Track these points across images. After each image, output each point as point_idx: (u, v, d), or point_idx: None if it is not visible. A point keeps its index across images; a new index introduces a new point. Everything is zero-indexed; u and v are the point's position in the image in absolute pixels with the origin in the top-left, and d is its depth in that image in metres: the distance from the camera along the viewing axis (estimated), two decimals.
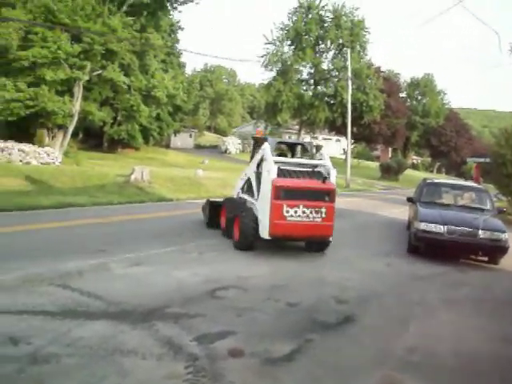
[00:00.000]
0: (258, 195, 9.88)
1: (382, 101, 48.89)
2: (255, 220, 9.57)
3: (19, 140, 25.28)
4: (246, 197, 10.79)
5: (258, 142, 11.79)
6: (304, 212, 9.14)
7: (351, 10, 47.01)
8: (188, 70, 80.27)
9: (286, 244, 10.25)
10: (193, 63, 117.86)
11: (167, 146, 52.96)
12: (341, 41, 46.63)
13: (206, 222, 12.06)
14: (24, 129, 29.40)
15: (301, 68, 48.48)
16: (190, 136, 62.90)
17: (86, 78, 28.37)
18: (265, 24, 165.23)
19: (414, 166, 78.39)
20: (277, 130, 55.91)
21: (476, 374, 5.15)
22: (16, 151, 23.33)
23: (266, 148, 9.68)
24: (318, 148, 11.62)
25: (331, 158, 11.11)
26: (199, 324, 5.60)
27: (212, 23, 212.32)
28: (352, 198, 23.06)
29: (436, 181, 14.90)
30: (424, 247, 10.85)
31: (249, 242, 9.66)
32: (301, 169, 9.93)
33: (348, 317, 6.39)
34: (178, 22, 42.79)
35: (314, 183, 9.53)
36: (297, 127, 56.49)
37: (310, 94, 48.59)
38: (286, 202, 9.04)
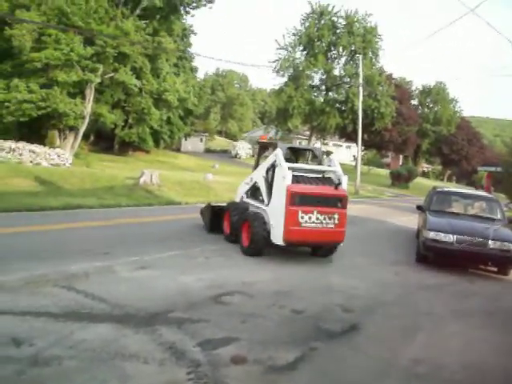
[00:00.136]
0: (269, 201, 9.80)
1: (394, 108, 48.74)
2: (266, 226, 9.53)
3: (30, 141, 25.40)
4: (251, 202, 10.72)
5: (263, 147, 11.78)
6: (318, 218, 9.15)
7: (364, 16, 47.03)
8: (200, 74, 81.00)
9: (292, 250, 10.16)
10: (205, 67, 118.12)
11: (178, 150, 53.09)
12: (353, 47, 46.59)
13: (208, 226, 11.93)
14: (35, 130, 29.63)
15: (312, 74, 48.52)
16: (201, 140, 63.03)
17: (98, 80, 28.53)
18: (277, 29, 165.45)
19: (425, 174, 78.01)
20: (287, 136, 55.87)
21: None
22: (27, 152, 23.44)
23: (279, 153, 9.63)
24: (328, 154, 11.57)
25: (341, 164, 11.07)
26: (203, 329, 5.55)
27: (225, 28, 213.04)
28: (361, 205, 22.93)
29: (446, 189, 14.80)
30: (433, 256, 10.71)
31: (259, 248, 9.62)
32: (312, 175, 9.91)
33: (354, 325, 6.31)
34: (190, 27, 42.94)
35: (328, 189, 9.54)
36: (307, 133, 56.43)
37: (322, 100, 48.59)
38: (300, 208, 9.04)
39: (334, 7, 47.31)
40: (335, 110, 47.23)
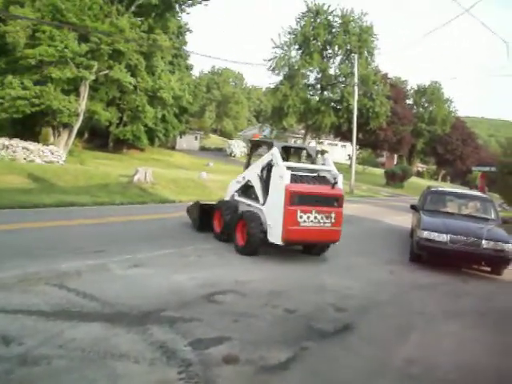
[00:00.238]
0: (265, 200, 9.75)
1: (389, 107, 48.74)
2: (262, 225, 9.51)
3: (24, 138, 25.27)
4: (244, 200, 10.62)
5: (255, 146, 11.73)
6: (316, 217, 9.20)
7: (360, 15, 46.99)
8: (195, 72, 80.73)
9: (286, 248, 10.08)
10: (200, 65, 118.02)
11: (173, 148, 52.92)
12: (348, 46, 46.48)
13: (197, 224, 11.75)
14: (29, 127, 29.47)
15: (308, 73, 48.38)
16: (196, 138, 62.85)
17: (93, 77, 28.36)
18: (274, 27, 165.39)
19: (419, 174, 78.20)
20: (282, 134, 55.84)
21: None
22: (20, 149, 23.33)
23: (276, 153, 9.60)
24: (323, 153, 11.56)
25: (336, 163, 11.06)
26: (195, 329, 5.51)
27: (220, 26, 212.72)
28: (356, 204, 22.93)
29: (440, 189, 14.81)
30: (426, 256, 10.72)
31: (255, 248, 9.60)
32: (308, 174, 9.91)
33: (346, 325, 6.29)
34: (186, 24, 42.79)
35: (325, 189, 9.58)
36: (302, 132, 56.41)
37: (317, 98, 48.50)
38: (299, 208, 9.05)
39: (329, 6, 47.26)
40: (330, 109, 47.17)
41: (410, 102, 75.02)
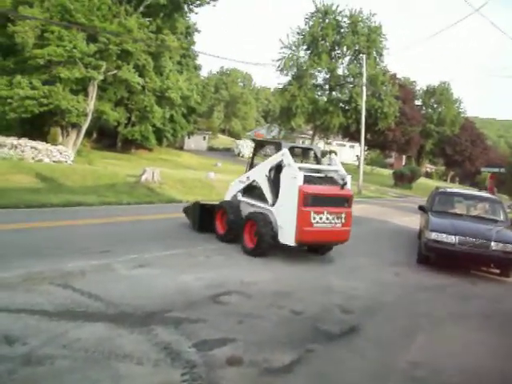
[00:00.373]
0: (275, 201, 9.67)
1: (397, 108, 48.51)
2: (272, 226, 9.47)
3: (33, 138, 25.36)
4: (249, 201, 10.50)
5: (258, 145, 11.65)
6: (327, 218, 9.21)
7: (368, 15, 46.89)
8: (204, 73, 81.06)
9: (291, 249, 9.98)
10: (209, 66, 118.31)
11: (181, 148, 52.98)
12: (357, 47, 46.40)
13: (196, 225, 11.52)
14: (38, 127, 29.60)
15: (316, 73, 48.39)
16: (204, 138, 62.87)
17: (101, 77, 28.44)
18: (282, 28, 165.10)
19: (428, 175, 77.74)
20: (290, 135, 55.75)
21: None
22: (29, 149, 23.42)
23: (287, 153, 9.54)
24: (330, 153, 11.52)
25: (344, 164, 11.00)
26: (199, 330, 5.48)
27: (229, 26, 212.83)
28: (364, 205, 22.83)
29: (449, 190, 14.71)
30: (434, 257, 10.62)
31: (265, 249, 9.55)
32: (317, 174, 9.87)
33: (352, 327, 6.24)
34: (194, 24, 42.91)
35: (336, 189, 9.61)
36: (311, 132, 56.30)
37: (325, 99, 48.46)
38: (313, 209, 9.03)
39: (338, 6, 47.26)
40: (338, 110, 47.10)
41: (418, 102, 74.62)
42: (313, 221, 9.03)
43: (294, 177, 9.19)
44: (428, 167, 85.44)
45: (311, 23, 46.67)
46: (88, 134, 32.99)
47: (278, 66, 45.59)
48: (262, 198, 10.03)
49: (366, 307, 7.22)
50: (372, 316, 6.89)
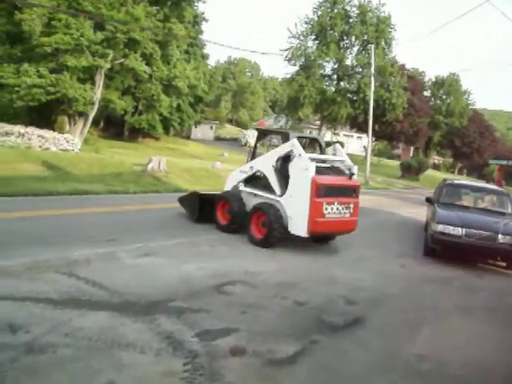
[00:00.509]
0: (283, 191, 9.57)
1: (406, 99, 48.20)
2: (282, 217, 9.43)
3: (40, 126, 25.33)
4: (251, 191, 10.37)
5: (261, 135, 11.51)
6: (337, 208, 9.27)
7: (377, 5, 46.53)
8: (211, 62, 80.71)
9: (295, 239, 9.90)
10: (216, 55, 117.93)
11: (188, 137, 52.91)
12: (366, 37, 46.12)
13: (195, 216, 11.30)
14: (45, 115, 29.60)
15: (324, 63, 48.13)
16: (211, 128, 62.75)
17: (108, 66, 28.36)
18: (290, 17, 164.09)
19: (436, 167, 77.38)
20: (298, 125, 55.55)
21: None
22: (36, 137, 23.38)
23: (297, 144, 9.46)
24: (335, 143, 11.44)
25: (351, 155, 10.95)
26: (202, 320, 5.47)
27: (237, 15, 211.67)
28: (370, 196, 22.71)
29: (456, 182, 14.58)
30: (441, 250, 10.55)
31: (275, 240, 9.50)
32: (323, 164, 9.83)
33: (357, 319, 6.22)
34: (202, 14, 42.66)
35: (345, 180, 9.70)
36: (318, 123, 56.08)
37: (333, 89, 48.18)
38: (325, 200, 9.06)
39: None
40: (346, 100, 46.85)
41: (427, 93, 74.06)
42: (325, 211, 9.05)
43: (305, 168, 9.11)
44: (436, 159, 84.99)
45: (319, 13, 46.34)
46: (95, 122, 32.98)
47: (286, 56, 45.38)
48: (268, 189, 9.91)
49: (370, 299, 7.19)
50: (377, 308, 6.86)
